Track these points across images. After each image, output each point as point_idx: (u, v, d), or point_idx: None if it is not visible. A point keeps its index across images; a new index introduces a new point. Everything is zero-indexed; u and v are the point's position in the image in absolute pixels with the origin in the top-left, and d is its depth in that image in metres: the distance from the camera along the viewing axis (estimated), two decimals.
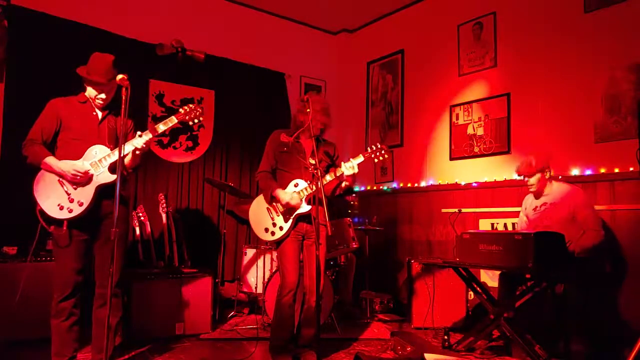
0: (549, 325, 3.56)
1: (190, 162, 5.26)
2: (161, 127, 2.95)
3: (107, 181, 2.86)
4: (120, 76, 2.61)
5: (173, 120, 2.98)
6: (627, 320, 3.67)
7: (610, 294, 3.76)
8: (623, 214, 3.78)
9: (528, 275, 3.48)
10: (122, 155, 2.61)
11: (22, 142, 2.93)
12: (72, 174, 2.76)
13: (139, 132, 2.90)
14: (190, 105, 3.06)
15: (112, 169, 2.87)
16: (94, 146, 2.88)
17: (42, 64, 4.29)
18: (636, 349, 2.49)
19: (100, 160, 2.86)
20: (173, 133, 5.15)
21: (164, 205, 4.57)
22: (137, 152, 2.87)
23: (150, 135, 2.90)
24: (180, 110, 3.04)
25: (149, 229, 4.49)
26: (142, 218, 4.51)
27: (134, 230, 4.47)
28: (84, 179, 2.80)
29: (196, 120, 3.05)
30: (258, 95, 5.72)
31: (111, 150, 2.89)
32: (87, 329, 3.03)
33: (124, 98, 2.57)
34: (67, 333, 2.86)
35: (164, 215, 4.53)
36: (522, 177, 3.75)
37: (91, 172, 2.83)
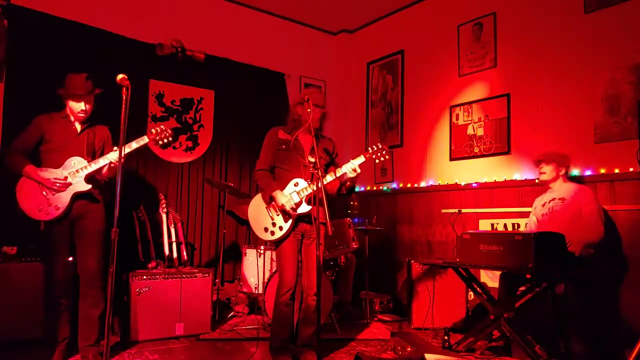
0: (550, 326, 3.56)
1: (190, 162, 5.26)
2: (133, 145, 3.21)
3: (82, 189, 3.15)
4: (120, 76, 2.63)
5: (145, 140, 3.25)
6: (628, 321, 3.67)
7: (611, 294, 3.76)
8: (623, 214, 3.78)
9: (528, 276, 3.48)
10: (121, 155, 2.65)
11: None
12: (52, 182, 3.07)
13: (115, 147, 3.18)
14: (162, 127, 3.35)
15: (88, 179, 3.16)
16: (73, 157, 3.16)
17: (42, 63, 4.29)
18: (636, 349, 2.49)
19: (77, 171, 3.14)
20: (173, 133, 5.14)
21: (164, 205, 4.56)
22: (112, 165, 3.16)
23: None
24: (152, 130, 3.33)
25: (149, 229, 4.48)
26: (142, 218, 4.50)
27: (134, 230, 4.46)
28: (62, 187, 3.09)
29: (165, 141, 3.33)
30: (258, 96, 5.71)
31: (88, 162, 3.17)
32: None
33: (124, 98, 2.58)
34: (59, 318, 3.15)
35: (164, 215, 4.53)
36: (538, 165, 3.80)
37: (69, 180, 3.11)
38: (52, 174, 3.10)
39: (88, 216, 3.20)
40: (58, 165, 3.14)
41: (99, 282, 3.17)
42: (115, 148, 3.19)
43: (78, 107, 3.20)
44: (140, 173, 4.89)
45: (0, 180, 3.89)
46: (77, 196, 3.14)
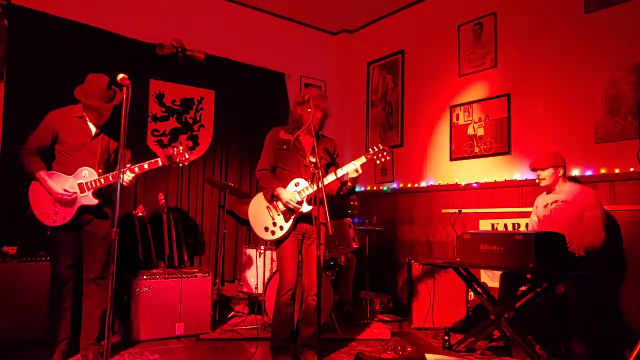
0: (550, 326, 3.56)
1: (190, 162, 5.23)
2: (145, 167, 3.14)
3: (89, 204, 3.11)
4: (120, 76, 2.62)
5: (159, 162, 3.15)
6: (628, 321, 3.67)
7: (611, 295, 3.76)
8: (623, 214, 3.78)
9: (529, 276, 3.48)
10: (122, 155, 2.63)
11: (21, 141, 3.14)
12: (60, 195, 3.02)
13: (129, 166, 3.10)
14: (180, 148, 3.18)
15: (96, 194, 3.11)
16: (84, 167, 3.10)
17: (42, 63, 4.29)
18: (637, 349, 2.49)
19: (86, 184, 3.09)
20: (173, 133, 5.14)
21: (164, 205, 4.56)
22: (124, 184, 3.07)
23: (135, 172, 3.12)
24: (170, 149, 3.20)
25: (149, 229, 4.47)
26: (142, 218, 4.50)
27: (134, 230, 4.46)
28: (69, 200, 3.05)
29: (181, 165, 3.23)
30: (258, 95, 5.71)
31: (98, 174, 3.11)
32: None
33: (124, 98, 2.57)
34: (61, 317, 3.15)
35: (164, 215, 4.52)
36: (535, 172, 3.77)
37: (77, 194, 3.07)
38: (62, 183, 3.04)
39: (95, 223, 3.17)
40: (70, 170, 3.09)
41: (103, 282, 3.17)
42: (129, 166, 3.09)
43: (94, 116, 3.15)
44: (140, 173, 4.87)
45: (1, 180, 3.91)
46: (84, 209, 3.10)
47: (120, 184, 2.54)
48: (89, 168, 3.10)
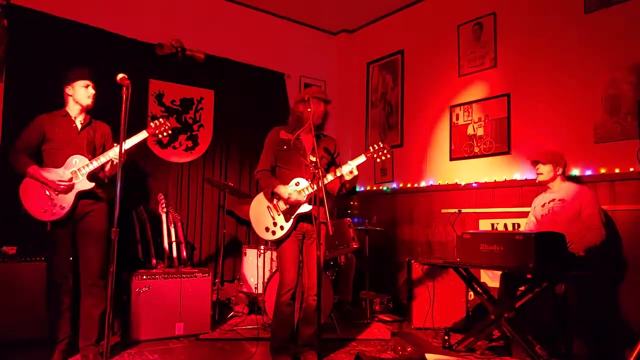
0: (550, 326, 3.56)
1: (190, 162, 5.25)
2: (133, 140, 3.19)
3: (85, 188, 3.15)
4: (120, 75, 2.63)
5: (144, 134, 3.24)
6: (628, 321, 3.67)
7: (611, 294, 3.76)
8: (623, 214, 3.78)
9: (529, 276, 3.48)
10: (122, 154, 2.66)
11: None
12: (57, 184, 3.06)
13: (116, 144, 3.16)
14: (160, 120, 3.33)
15: (90, 177, 3.16)
16: (74, 156, 3.16)
17: (42, 63, 4.28)
18: (637, 349, 2.49)
19: (79, 169, 3.14)
20: (173, 133, 5.13)
21: (164, 205, 4.56)
22: (114, 162, 3.15)
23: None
24: (151, 124, 3.31)
25: (148, 228, 4.47)
26: (141, 218, 4.50)
27: (134, 230, 4.46)
28: (66, 188, 3.09)
29: (165, 134, 3.31)
30: (258, 95, 5.71)
31: (89, 160, 3.16)
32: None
33: (124, 97, 2.58)
34: (60, 317, 3.15)
35: (163, 215, 4.52)
36: (535, 166, 3.79)
37: (74, 181, 3.12)
38: (55, 174, 3.10)
39: (91, 215, 3.20)
40: (59, 164, 3.13)
41: (101, 282, 3.17)
42: (116, 144, 3.18)
43: (87, 93, 3.21)
44: (140, 173, 4.88)
45: (0, 180, 3.90)
46: (81, 195, 3.14)
47: (120, 183, 2.55)
48: (78, 155, 3.17)
